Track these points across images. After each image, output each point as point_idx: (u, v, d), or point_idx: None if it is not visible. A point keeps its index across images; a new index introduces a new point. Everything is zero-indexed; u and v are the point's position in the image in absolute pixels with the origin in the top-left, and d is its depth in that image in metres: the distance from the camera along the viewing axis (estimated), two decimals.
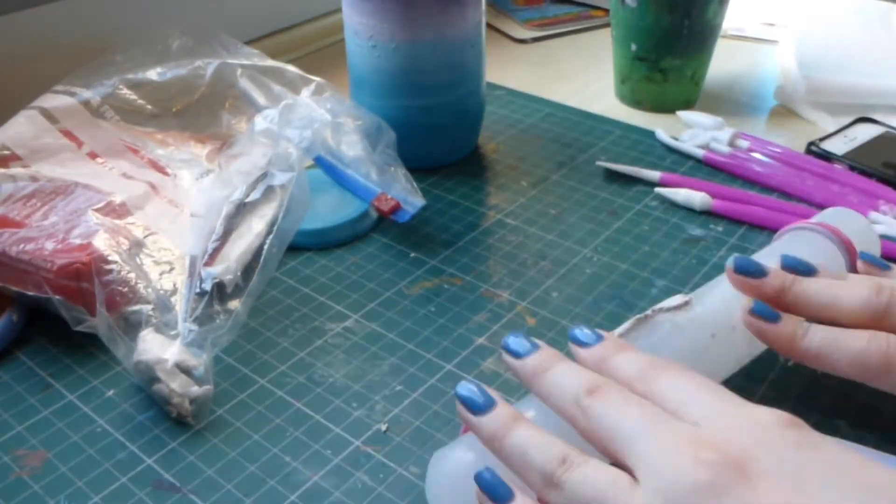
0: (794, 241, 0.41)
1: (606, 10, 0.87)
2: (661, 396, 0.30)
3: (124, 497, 0.36)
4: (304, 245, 0.51)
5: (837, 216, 0.43)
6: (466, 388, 0.32)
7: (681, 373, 0.31)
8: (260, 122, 0.53)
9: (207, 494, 0.36)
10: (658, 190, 0.55)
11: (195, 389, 0.39)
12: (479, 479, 0.30)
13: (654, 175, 0.57)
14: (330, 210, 0.53)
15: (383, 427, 0.39)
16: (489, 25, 0.85)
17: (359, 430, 0.39)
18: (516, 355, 0.33)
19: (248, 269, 0.46)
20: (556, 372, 0.32)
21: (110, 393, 0.42)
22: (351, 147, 0.55)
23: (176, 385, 0.39)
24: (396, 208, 0.52)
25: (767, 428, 0.28)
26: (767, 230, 0.52)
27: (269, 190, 0.49)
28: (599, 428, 0.30)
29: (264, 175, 0.49)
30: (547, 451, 0.29)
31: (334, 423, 0.39)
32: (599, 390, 0.30)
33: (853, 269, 0.40)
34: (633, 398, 0.30)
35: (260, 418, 0.40)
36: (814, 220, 0.42)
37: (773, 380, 0.41)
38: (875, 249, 0.43)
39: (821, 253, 0.40)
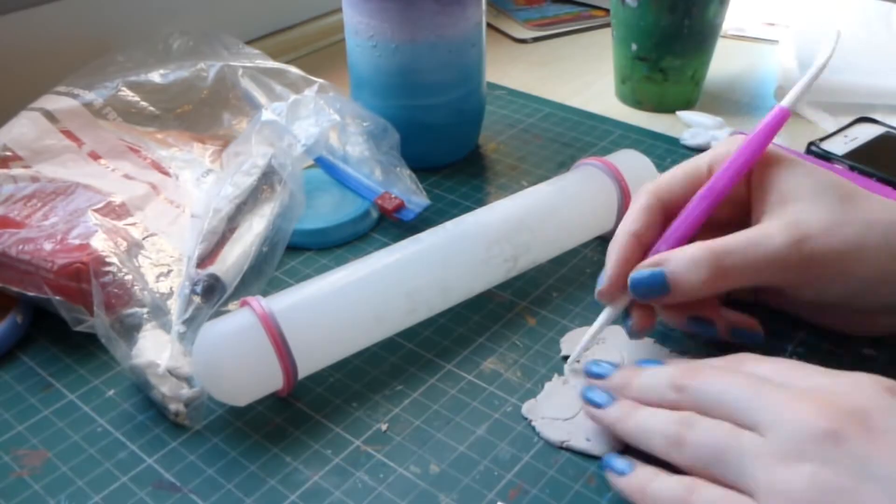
0: (580, 174, 0.49)
1: (607, 10, 0.87)
2: (762, 374, 0.32)
3: (125, 497, 0.36)
4: (304, 245, 0.51)
5: (622, 155, 0.51)
6: (591, 391, 0.37)
7: (774, 360, 0.34)
8: (267, 114, 0.52)
9: (208, 494, 0.36)
10: None
11: (185, 392, 0.39)
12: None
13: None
14: (330, 210, 0.53)
15: (383, 427, 0.39)
16: (489, 25, 0.85)
17: (359, 430, 0.39)
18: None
19: (248, 269, 0.46)
20: (645, 374, 0.35)
21: (111, 392, 0.42)
22: (355, 147, 0.55)
23: (166, 389, 0.39)
24: (400, 207, 0.52)
25: (874, 391, 0.30)
26: None
27: (269, 189, 0.49)
28: (706, 399, 0.32)
29: (265, 174, 0.49)
30: (667, 418, 0.33)
31: (334, 423, 0.39)
32: (693, 371, 0.33)
33: (624, 194, 0.48)
34: (738, 373, 0.32)
35: (260, 418, 0.40)
36: (604, 158, 0.50)
37: None
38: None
39: (598, 184, 0.49)
